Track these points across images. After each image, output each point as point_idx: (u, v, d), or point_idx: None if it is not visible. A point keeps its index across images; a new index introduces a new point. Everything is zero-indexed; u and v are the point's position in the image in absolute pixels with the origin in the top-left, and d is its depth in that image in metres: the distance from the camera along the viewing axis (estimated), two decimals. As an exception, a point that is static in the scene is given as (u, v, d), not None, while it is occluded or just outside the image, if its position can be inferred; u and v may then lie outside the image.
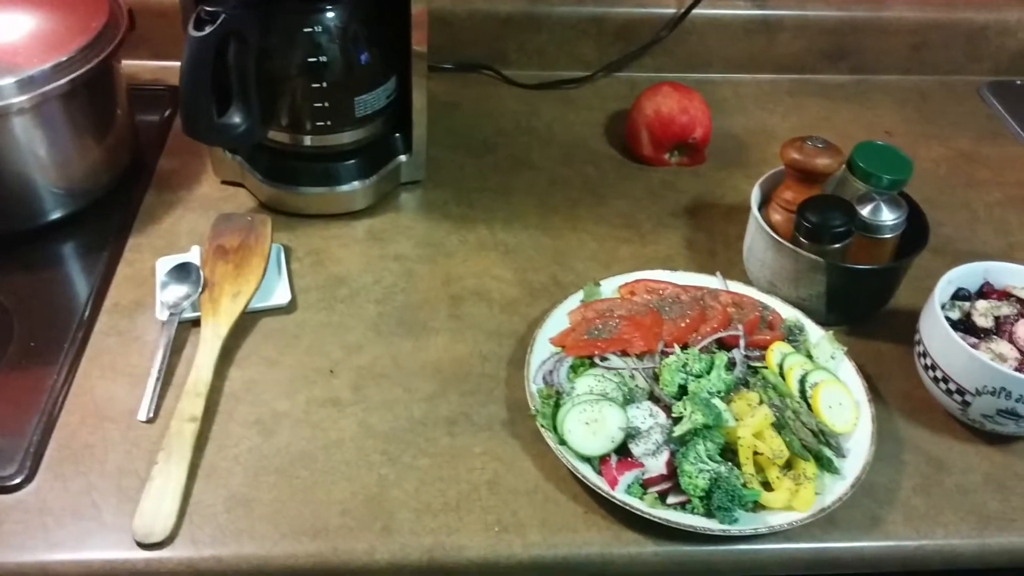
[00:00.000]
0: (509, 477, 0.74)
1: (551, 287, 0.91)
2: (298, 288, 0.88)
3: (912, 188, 1.05)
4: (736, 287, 0.88)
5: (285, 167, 0.94)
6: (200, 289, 0.83)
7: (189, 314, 0.82)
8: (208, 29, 0.80)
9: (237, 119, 0.88)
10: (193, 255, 0.87)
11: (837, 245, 0.83)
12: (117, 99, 0.94)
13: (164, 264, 0.86)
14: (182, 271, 0.85)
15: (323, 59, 0.86)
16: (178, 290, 0.83)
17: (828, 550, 0.72)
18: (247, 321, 0.84)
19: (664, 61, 1.22)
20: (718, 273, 0.89)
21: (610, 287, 0.87)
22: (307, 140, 0.92)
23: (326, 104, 0.89)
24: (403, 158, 0.98)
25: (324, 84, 0.87)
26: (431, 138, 1.07)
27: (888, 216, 0.83)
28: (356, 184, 0.95)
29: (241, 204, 0.96)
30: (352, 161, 0.95)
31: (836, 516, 0.71)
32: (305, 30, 0.85)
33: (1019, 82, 1.26)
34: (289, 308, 0.86)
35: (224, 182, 0.99)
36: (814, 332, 0.83)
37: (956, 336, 0.74)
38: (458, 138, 1.09)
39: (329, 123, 0.90)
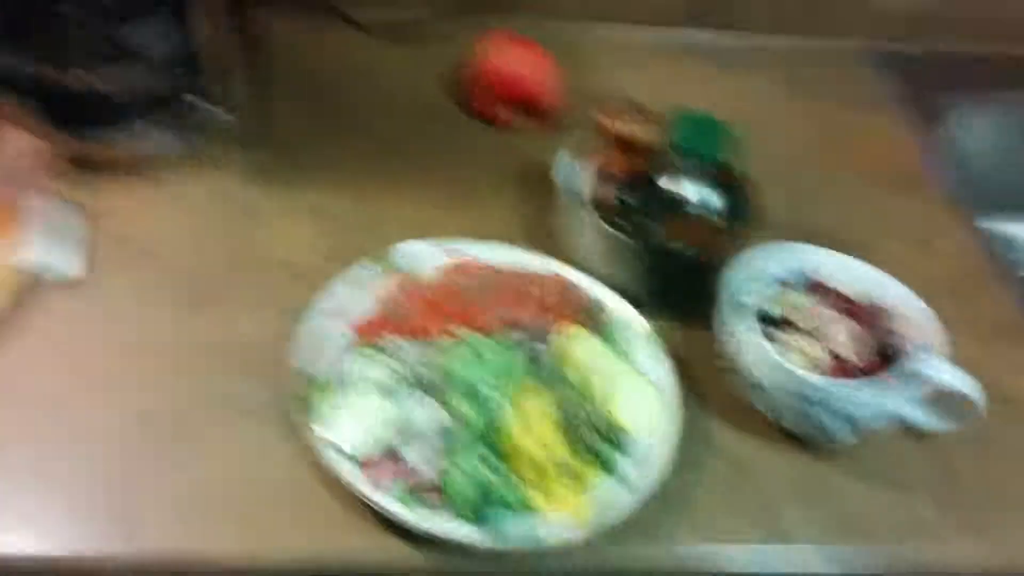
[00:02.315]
0: (266, 469, 0.67)
1: (359, 257, 0.82)
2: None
3: (771, 164, 0.99)
4: (557, 267, 0.81)
5: (75, 113, 0.85)
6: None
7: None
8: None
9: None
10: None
11: (653, 224, 0.76)
12: None
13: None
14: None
15: None
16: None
17: (606, 564, 0.66)
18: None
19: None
20: (539, 251, 0.82)
21: (415, 260, 0.80)
22: (93, 80, 0.82)
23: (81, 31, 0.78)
24: (213, 109, 0.89)
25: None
26: (262, 88, 0.99)
27: (704, 193, 0.77)
28: (154, 134, 0.86)
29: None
30: (148, 112, 0.85)
31: (620, 525, 0.66)
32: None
33: (905, 51, 1.19)
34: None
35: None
36: (632, 322, 0.77)
37: (757, 334, 0.69)
38: (291, 88, 1.00)
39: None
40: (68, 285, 0.76)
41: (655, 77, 1.09)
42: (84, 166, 0.86)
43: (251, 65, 0.98)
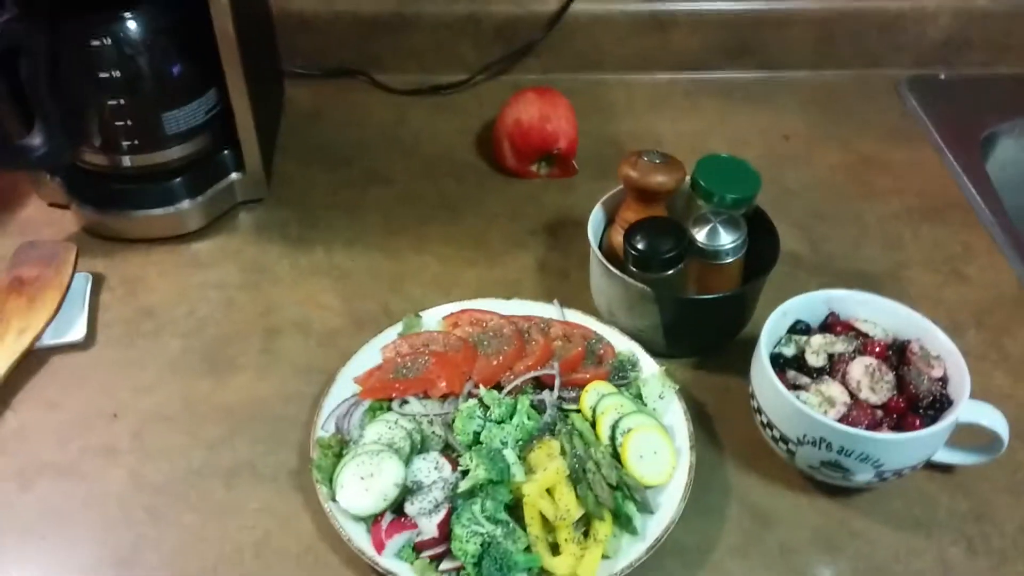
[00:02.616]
0: (281, 536, 0.67)
1: (379, 317, 0.84)
2: (102, 322, 0.82)
3: (801, 199, 0.98)
4: (574, 316, 0.81)
5: (105, 190, 0.88)
6: (-15, 325, 0.78)
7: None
8: (-16, 45, 0.75)
9: (37, 140, 0.83)
10: (-10, 287, 0.82)
11: (669, 272, 0.75)
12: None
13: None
14: (-27, 305, 0.80)
15: (116, 74, 0.80)
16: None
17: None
18: (36, 359, 0.78)
19: (551, 62, 1.14)
20: (555, 301, 0.82)
21: (434, 318, 0.81)
22: (125, 160, 0.86)
23: (129, 123, 0.82)
24: (235, 176, 0.92)
25: (122, 101, 0.81)
26: (285, 151, 1.02)
27: (726, 239, 0.75)
28: (181, 205, 0.89)
29: (64, 229, 0.91)
30: (176, 181, 0.88)
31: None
32: (93, 43, 0.79)
33: (942, 76, 1.17)
34: (85, 344, 0.80)
35: (52, 204, 0.93)
36: (648, 367, 0.76)
37: (774, 378, 0.66)
38: (315, 151, 1.03)
39: (137, 142, 0.84)
40: (75, 350, 0.79)
41: (688, 119, 1.10)
42: (106, 237, 0.89)
43: (275, 130, 1.02)
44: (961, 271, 0.89)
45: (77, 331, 0.80)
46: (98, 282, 0.86)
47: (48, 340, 0.79)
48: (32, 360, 0.78)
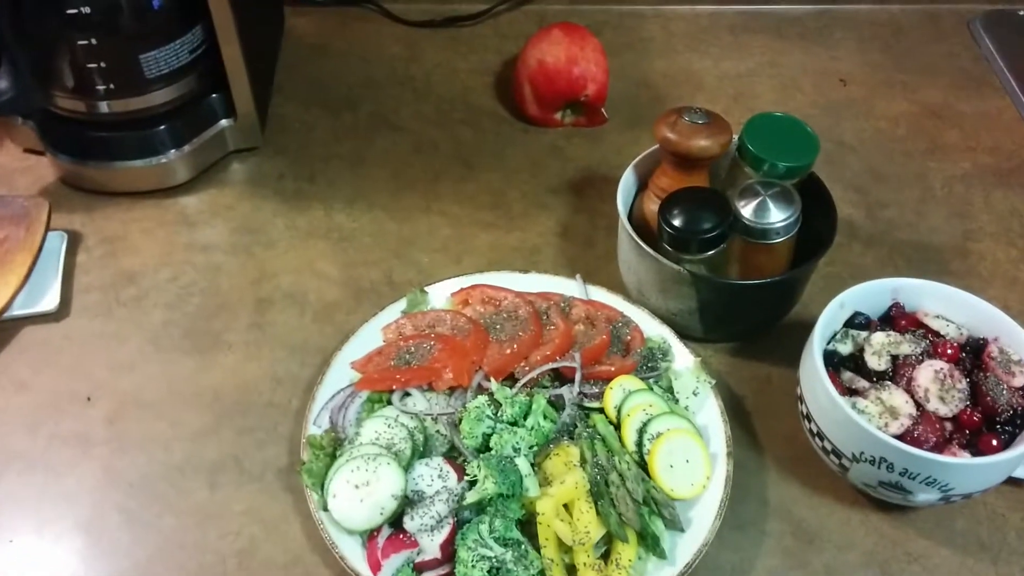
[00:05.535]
0: (267, 545, 0.61)
1: (382, 288, 0.76)
2: (78, 287, 0.75)
3: (857, 156, 0.88)
4: (599, 294, 0.72)
5: (82, 137, 0.79)
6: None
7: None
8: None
9: (4, 84, 0.74)
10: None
11: (708, 253, 0.66)
12: None
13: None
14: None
15: (85, 10, 0.70)
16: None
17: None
18: (3, 332, 0.71)
19: (581, -10, 1.02)
20: (578, 276, 0.73)
21: (442, 294, 0.72)
22: (102, 106, 0.77)
23: (102, 64, 0.73)
24: (225, 123, 0.82)
25: (94, 40, 0.71)
26: (283, 91, 0.92)
27: (776, 216, 0.65)
28: (166, 156, 0.80)
29: (40, 178, 0.82)
30: (160, 129, 0.79)
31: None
32: (57, -25, 0.69)
33: (1022, 12, 1.04)
34: (59, 315, 0.72)
35: (27, 150, 0.85)
36: (681, 357, 0.68)
37: (829, 385, 0.58)
38: (316, 91, 0.92)
39: (113, 86, 0.75)
40: (47, 321, 0.72)
41: (733, 59, 0.98)
42: (85, 189, 0.81)
43: (271, 68, 0.92)
44: (1040, 247, 0.80)
45: (50, 300, 0.72)
46: (75, 241, 0.77)
47: (17, 310, 0.71)
48: (2, 333, 0.71)
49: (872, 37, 1.01)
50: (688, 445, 0.61)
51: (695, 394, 0.65)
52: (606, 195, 0.79)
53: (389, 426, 0.62)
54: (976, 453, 0.57)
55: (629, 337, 0.69)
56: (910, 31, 1.02)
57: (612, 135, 0.89)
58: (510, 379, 0.66)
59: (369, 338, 0.69)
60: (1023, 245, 0.80)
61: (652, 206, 0.71)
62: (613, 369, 0.66)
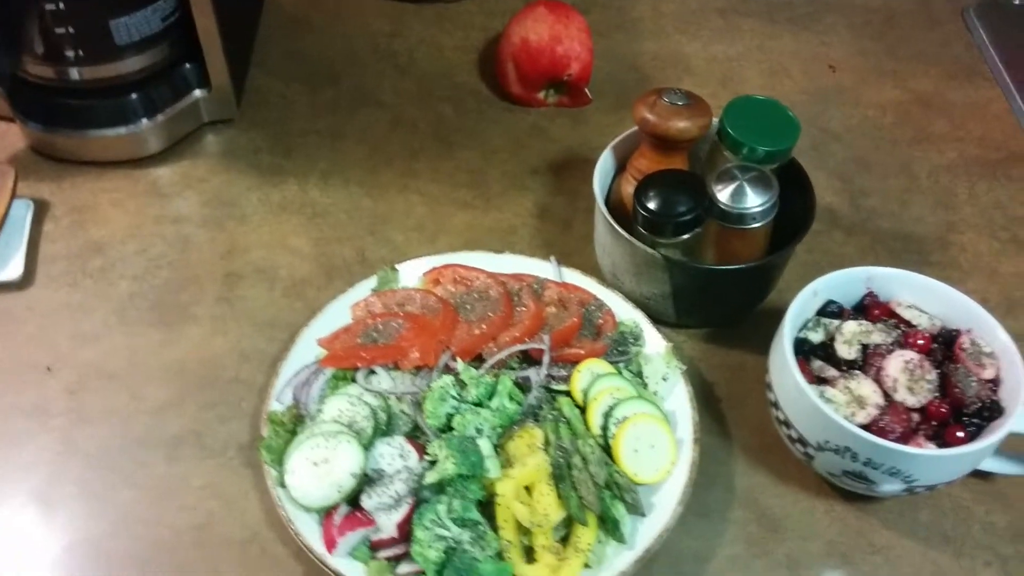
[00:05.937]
0: (225, 521, 0.60)
1: (353, 265, 0.75)
2: (43, 257, 0.73)
3: (843, 143, 0.87)
4: (573, 277, 0.71)
5: (52, 105, 0.78)
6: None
7: None
8: None
9: (-30, 48, 0.73)
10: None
11: (683, 237, 0.65)
12: None
13: None
14: None
15: (52, -26, 0.69)
16: None
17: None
18: (-35, 300, 0.70)
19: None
20: (553, 258, 0.72)
21: (414, 273, 0.71)
22: (72, 73, 0.76)
23: (70, 29, 0.71)
24: (199, 93, 0.81)
25: (61, 5, 0.70)
26: (262, 64, 0.91)
27: (753, 201, 0.64)
28: (138, 125, 0.78)
29: (9, 145, 0.81)
30: (132, 97, 0.78)
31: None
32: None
33: (1017, 1, 1.02)
34: (22, 283, 0.71)
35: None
36: (652, 342, 0.67)
37: (797, 373, 0.57)
38: (296, 65, 0.91)
39: (82, 53, 0.73)
40: (10, 290, 0.71)
41: (722, 42, 0.96)
42: (55, 157, 0.80)
43: (250, 39, 0.90)
44: (1023, 239, 0.78)
45: (13, 268, 0.71)
46: (42, 210, 0.76)
47: (-19, 276, 0.71)
48: (-38, 302, 0.70)
49: (864, 23, 0.99)
50: (654, 430, 0.60)
51: (664, 379, 0.65)
52: (587, 177, 0.76)
53: (352, 404, 0.61)
54: (942, 445, 0.56)
55: (601, 321, 0.68)
56: (903, 18, 1.00)
57: (596, 116, 0.88)
58: (478, 360, 0.65)
59: (338, 315, 0.68)
60: (1005, 238, 0.79)
61: (629, 188, 0.70)
62: (583, 352, 0.65)
